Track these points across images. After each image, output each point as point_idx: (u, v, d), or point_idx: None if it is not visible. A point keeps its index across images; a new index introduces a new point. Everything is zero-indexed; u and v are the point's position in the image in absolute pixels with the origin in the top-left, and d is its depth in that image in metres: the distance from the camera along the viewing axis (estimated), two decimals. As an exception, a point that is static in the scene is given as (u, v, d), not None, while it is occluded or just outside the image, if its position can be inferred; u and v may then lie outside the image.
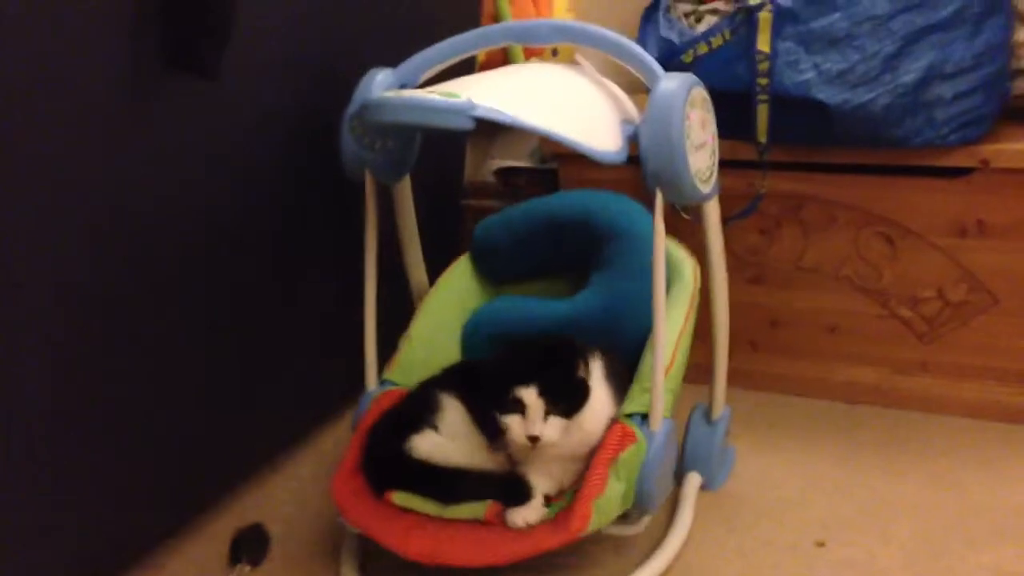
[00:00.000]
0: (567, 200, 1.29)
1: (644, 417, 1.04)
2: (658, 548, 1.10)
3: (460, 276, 1.31)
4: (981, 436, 1.34)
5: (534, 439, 0.98)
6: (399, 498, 1.04)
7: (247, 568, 1.11)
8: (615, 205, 1.23)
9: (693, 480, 1.22)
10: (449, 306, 1.28)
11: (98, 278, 0.95)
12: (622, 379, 1.08)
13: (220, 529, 1.18)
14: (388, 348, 1.22)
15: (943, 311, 1.37)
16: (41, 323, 0.90)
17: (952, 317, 1.37)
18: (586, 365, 1.02)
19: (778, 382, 1.49)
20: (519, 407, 0.98)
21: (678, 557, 1.10)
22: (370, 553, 1.12)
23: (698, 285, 1.17)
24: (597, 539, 1.11)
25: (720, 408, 1.23)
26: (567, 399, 0.99)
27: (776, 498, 1.22)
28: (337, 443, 1.40)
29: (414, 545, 0.99)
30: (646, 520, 1.12)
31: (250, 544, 1.13)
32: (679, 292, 1.16)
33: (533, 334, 1.12)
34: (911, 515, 1.17)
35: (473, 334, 1.26)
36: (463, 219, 1.76)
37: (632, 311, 1.14)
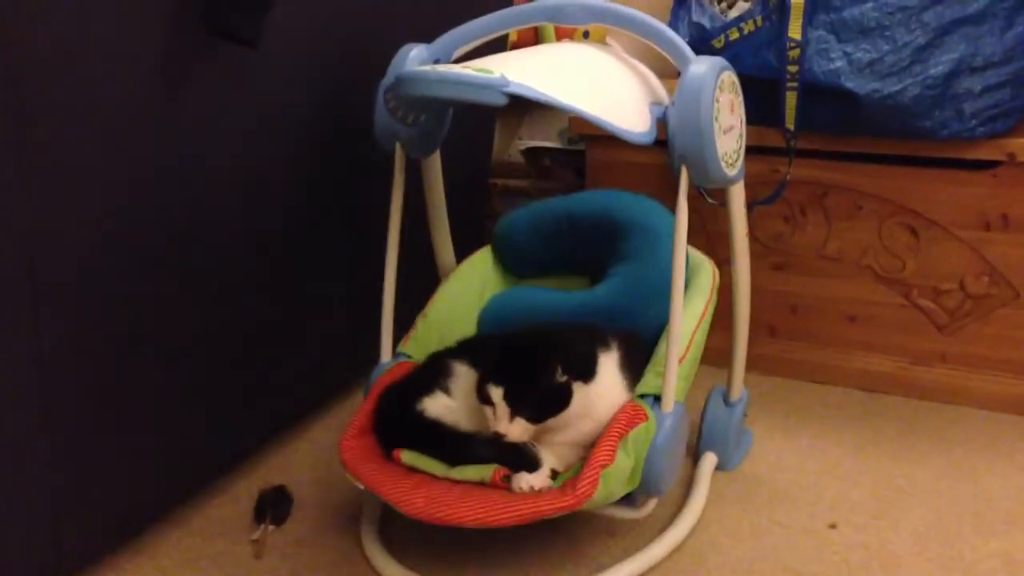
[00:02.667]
0: (587, 199, 1.30)
1: (656, 399, 1.04)
2: (671, 525, 1.12)
3: (481, 264, 1.32)
4: (997, 428, 1.35)
5: (501, 436, 0.98)
6: (407, 457, 1.04)
7: (270, 527, 1.13)
8: (635, 203, 1.24)
9: (709, 460, 1.24)
10: (468, 291, 1.29)
11: (146, 244, 0.98)
12: (640, 366, 1.08)
13: (243, 491, 1.21)
14: (406, 324, 1.23)
15: (964, 303, 1.38)
16: (79, 284, 0.93)
17: (973, 309, 1.38)
18: (572, 367, 0.99)
19: (797, 368, 1.50)
20: (490, 402, 0.99)
21: (691, 534, 1.12)
22: (390, 518, 1.15)
23: (716, 285, 1.19)
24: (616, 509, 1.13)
25: (738, 391, 1.25)
26: (536, 405, 0.98)
27: (790, 481, 1.23)
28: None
29: (416, 503, 0.97)
30: (651, 505, 1.12)
31: (274, 504, 1.15)
32: (698, 288, 1.17)
33: (546, 321, 1.12)
34: (924, 502, 1.18)
35: (489, 319, 1.27)
36: (490, 197, 1.78)
37: (648, 304, 1.15)
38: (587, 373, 1.00)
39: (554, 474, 1.01)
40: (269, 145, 1.13)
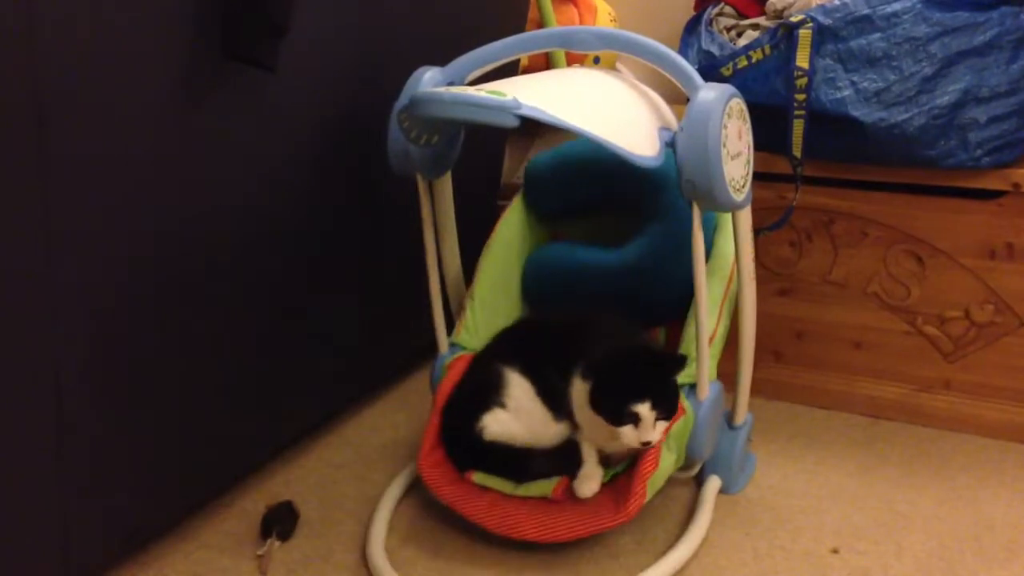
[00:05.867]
0: None
1: (692, 387, 1.13)
2: (674, 547, 1.12)
3: (512, 226, 1.36)
4: (1001, 456, 1.35)
5: (647, 443, 1.04)
6: (478, 477, 1.15)
7: (276, 543, 1.14)
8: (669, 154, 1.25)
9: (713, 483, 1.24)
10: (505, 260, 1.34)
11: (157, 259, 0.99)
12: None
13: (250, 507, 1.22)
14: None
15: (969, 331, 1.39)
16: (94, 301, 0.94)
17: (977, 337, 1.38)
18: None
19: (802, 393, 1.51)
20: (634, 419, 1.03)
21: (694, 557, 1.13)
22: (396, 534, 1.16)
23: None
24: (619, 531, 1.15)
25: (743, 415, 1.25)
26: (671, 402, 1.07)
27: (794, 505, 1.24)
28: (366, 430, 1.44)
29: (492, 520, 1.10)
30: (698, 465, 1.23)
31: (280, 520, 1.16)
32: (720, 255, 1.22)
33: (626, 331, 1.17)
34: (926, 528, 1.19)
35: (531, 284, 1.34)
36: (498, 219, 1.79)
37: (679, 263, 1.16)
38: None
39: (604, 462, 1.13)
40: (284, 165, 1.15)
